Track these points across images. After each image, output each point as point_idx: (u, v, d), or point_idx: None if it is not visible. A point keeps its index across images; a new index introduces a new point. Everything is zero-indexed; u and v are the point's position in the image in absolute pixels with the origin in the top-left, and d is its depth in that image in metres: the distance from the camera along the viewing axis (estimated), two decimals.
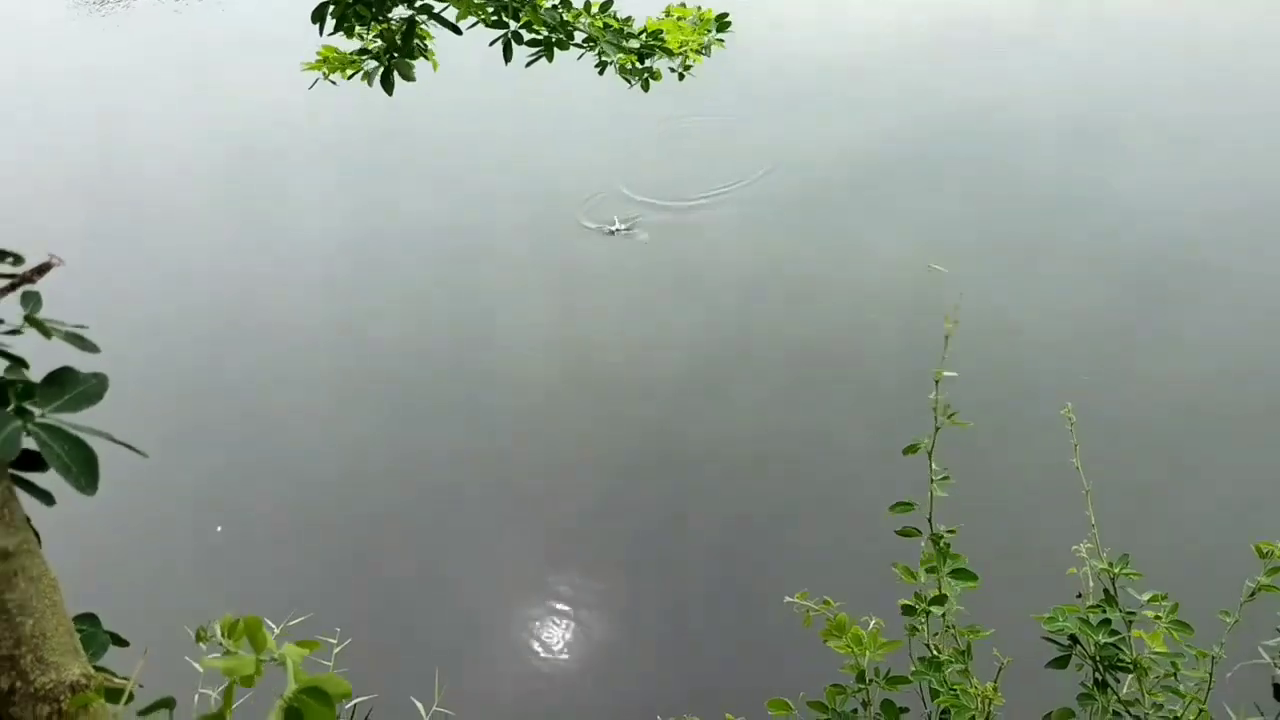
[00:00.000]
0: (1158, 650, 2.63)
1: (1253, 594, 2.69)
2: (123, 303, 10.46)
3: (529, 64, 4.03)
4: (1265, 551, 2.71)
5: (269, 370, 9.78)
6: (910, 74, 14.25)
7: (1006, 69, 14.16)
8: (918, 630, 2.77)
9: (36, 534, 1.30)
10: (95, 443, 1.27)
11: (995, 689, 2.58)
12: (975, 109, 13.08)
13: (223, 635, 1.32)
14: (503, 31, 3.90)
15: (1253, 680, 3.31)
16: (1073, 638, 2.74)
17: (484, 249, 11.31)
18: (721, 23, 4.59)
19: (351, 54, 4.15)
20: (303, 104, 14.01)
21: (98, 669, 1.33)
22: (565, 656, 7.06)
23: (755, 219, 11.42)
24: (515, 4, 3.76)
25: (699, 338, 9.74)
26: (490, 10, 3.80)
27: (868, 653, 2.77)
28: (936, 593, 2.73)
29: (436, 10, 3.71)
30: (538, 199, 12.00)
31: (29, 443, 1.26)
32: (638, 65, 4.27)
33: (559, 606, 7.34)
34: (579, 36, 4.10)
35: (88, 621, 1.49)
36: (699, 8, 4.49)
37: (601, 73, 4.31)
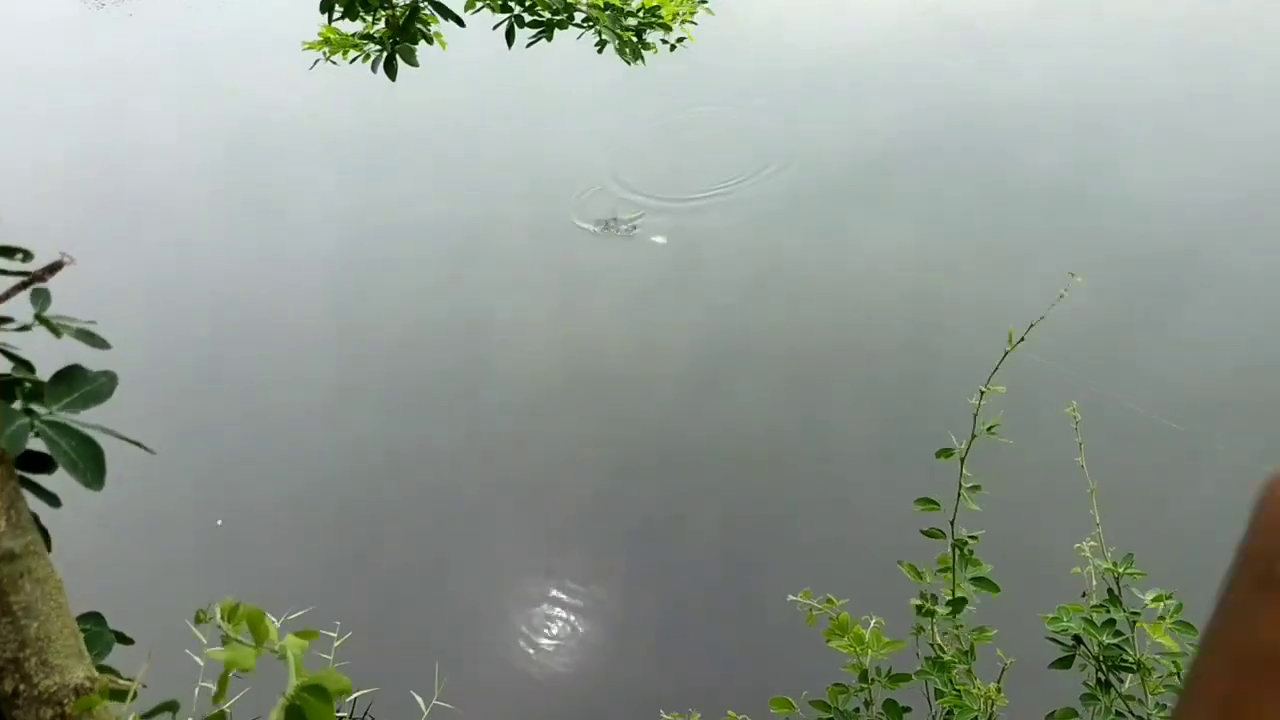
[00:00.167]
0: (1161, 642, 2.62)
1: None
2: (123, 299, 10.44)
3: (530, 45, 4.04)
4: None
5: (269, 367, 9.78)
6: (911, 70, 14.23)
7: (1009, 65, 14.13)
8: (923, 630, 2.76)
9: (46, 533, 1.29)
10: (101, 439, 1.26)
11: (998, 689, 2.57)
12: (977, 105, 13.07)
13: (222, 619, 1.32)
14: (507, 16, 3.90)
15: None
16: (1076, 638, 2.73)
17: (484, 246, 11.30)
18: None
19: (354, 36, 4.15)
20: (302, 101, 14.03)
21: (102, 669, 1.32)
22: (565, 651, 7.06)
23: (755, 215, 11.40)
24: None
25: (699, 335, 9.74)
26: None
27: (869, 652, 2.77)
28: (950, 594, 2.72)
29: None
30: (539, 197, 11.98)
31: (36, 442, 1.26)
32: (634, 40, 4.28)
33: (559, 602, 7.34)
34: (578, 16, 4.11)
35: (92, 620, 1.48)
36: None
37: (600, 51, 4.32)
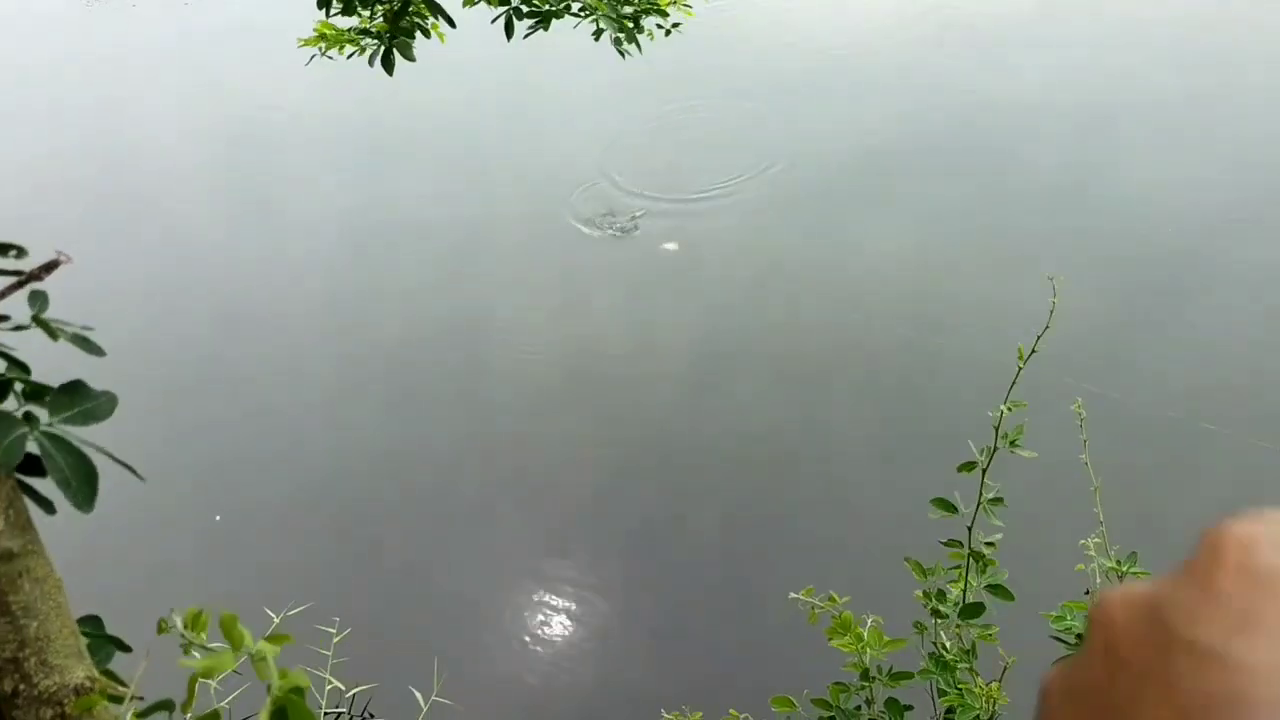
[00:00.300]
0: None
1: None
2: (119, 296, 10.43)
3: (527, 35, 4.05)
4: None
5: (266, 364, 9.77)
6: (911, 69, 14.22)
7: (1010, 64, 14.13)
8: (925, 628, 2.76)
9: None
10: (96, 455, 1.26)
11: (999, 688, 2.57)
12: (978, 104, 13.06)
13: (184, 627, 1.31)
14: (505, 8, 3.91)
15: None
16: (1080, 636, 2.73)
17: (484, 245, 11.30)
18: None
19: (349, 31, 4.15)
20: (302, 98, 14.03)
21: (102, 673, 1.32)
22: (565, 649, 7.06)
23: (755, 214, 11.39)
24: None
25: (699, 334, 9.73)
26: None
27: (870, 650, 2.76)
28: (960, 592, 2.71)
29: None
30: (539, 195, 11.97)
31: (31, 447, 1.25)
32: (630, 27, 4.29)
33: (558, 599, 7.34)
34: (575, 5, 4.12)
35: (90, 624, 1.48)
36: None
37: (597, 39, 4.33)
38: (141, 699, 1.36)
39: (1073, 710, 0.56)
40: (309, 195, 12.37)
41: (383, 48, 3.94)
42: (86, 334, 1.33)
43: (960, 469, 2.90)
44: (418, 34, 3.94)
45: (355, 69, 4.52)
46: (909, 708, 2.80)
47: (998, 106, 12.99)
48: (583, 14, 4.12)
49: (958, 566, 2.80)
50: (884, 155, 12.23)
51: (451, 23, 3.74)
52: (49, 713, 1.24)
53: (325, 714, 6.00)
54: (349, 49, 4.07)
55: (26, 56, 16.59)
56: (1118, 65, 13.84)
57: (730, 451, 8.39)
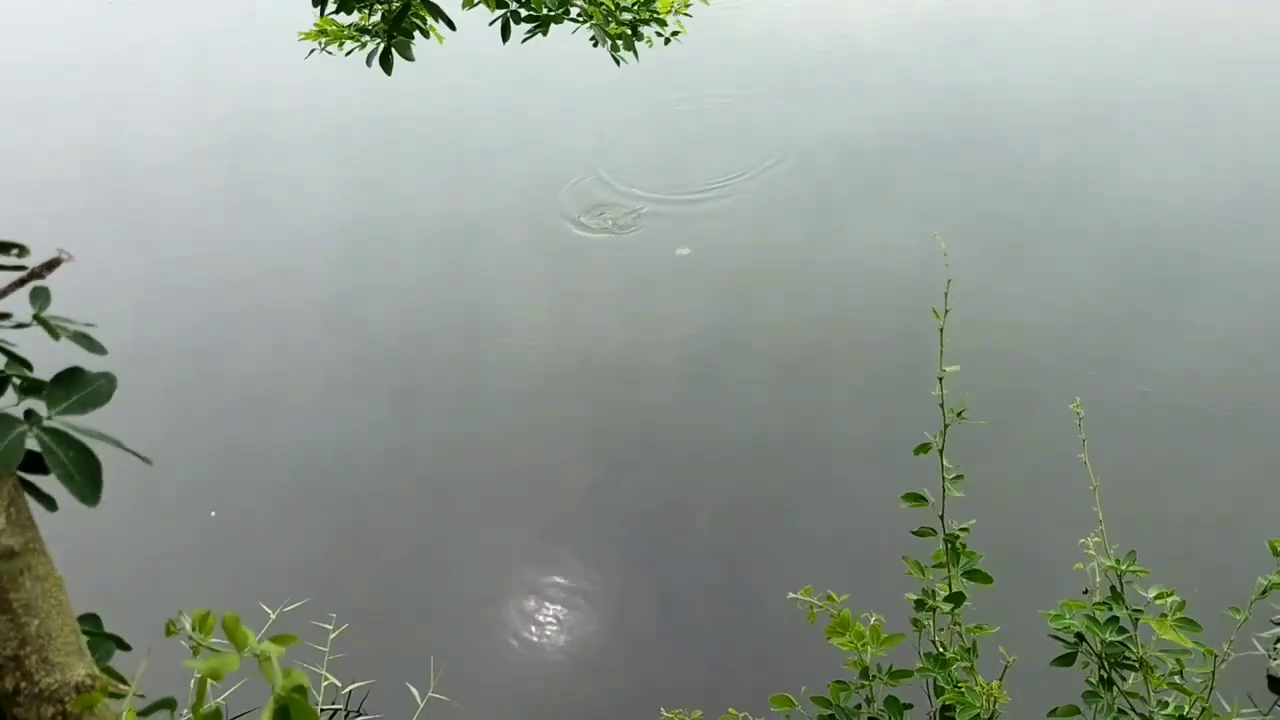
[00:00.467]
0: (1167, 638, 2.62)
1: (1264, 592, 2.69)
2: (117, 289, 10.41)
3: (525, 40, 4.06)
4: (1279, 549, 2.70)
5: (261, 358, 9.74)
6: (910, 60, 14.23)
7: (1011, 61, 14.13)
8: (923, 625, 2.76)
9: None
10: (98, 446, 1.25)
11: (1000, 686, 2.57)
12: (977, 96, 13.07)
13: (193, 629, 1.31)
14: (502, 11, 3.91)
15: (1246, 671, 3.32)
16: (1079, 635, 2.73)
17: (482, 237, 11.28)
18: None
19: (349, 28, 4.15)
20: (300, 90, 14.01)
21: (104, 671, 1.32)
22: (562, 645, 7.06)
23: (753, 209, 11.39)
24: None
25: (696, 327, 9.73)
26: None
27: (869, 649, 2.76)
28: (947, 589, 2.72)
29: None
30: (537, 188, 11.96)
31: (32, 444, 1.24)
32: (628, 34, 4.29)
33: (556, 595, 7.34)
34: (574, 11, 4.12)
35: (90, 623, 1.47)
36: None
37: (595, 45, 4.33)
38: (143, 696, 1.36)
39: None
40: (306, 190, 12.35)
41: (381, 46, 3.94)
42: (88, 331, 1.33)
43: (917, 451, 2.91)
44: (416, 33, 3.94)
45: (354, 64, 4.51)
46: (908, 706, 2.81)
47: (999, 103, 12.99)
48: (580, 20, 4.13)
49: (941, 564, 2.80)
50: (884, 153, 12.23)
51: (451, 25, 3.74)
52: (50, 710, 1.24)
53: (322, 710, 6.01)
54: (349, 45, 4.07)
55: (25, 52, 16.55)
56: (1118, 64, 13.85)
57: (729, 447, 8.39)
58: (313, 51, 4.29)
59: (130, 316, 10.08)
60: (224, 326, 10.16)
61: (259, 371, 9.56)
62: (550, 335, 9.82)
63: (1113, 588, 2.81)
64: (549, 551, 7.74)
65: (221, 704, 5.59)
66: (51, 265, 1.32)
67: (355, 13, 3.94)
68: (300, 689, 1.18)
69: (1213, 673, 2.70)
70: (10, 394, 1.28)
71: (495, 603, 7.36)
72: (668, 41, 4.47)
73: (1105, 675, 2.73)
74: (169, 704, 1.34)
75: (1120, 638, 2.71)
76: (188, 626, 1.29)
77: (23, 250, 1.31)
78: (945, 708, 2.52)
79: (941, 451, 2.82)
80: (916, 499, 2.83)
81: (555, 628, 7.14)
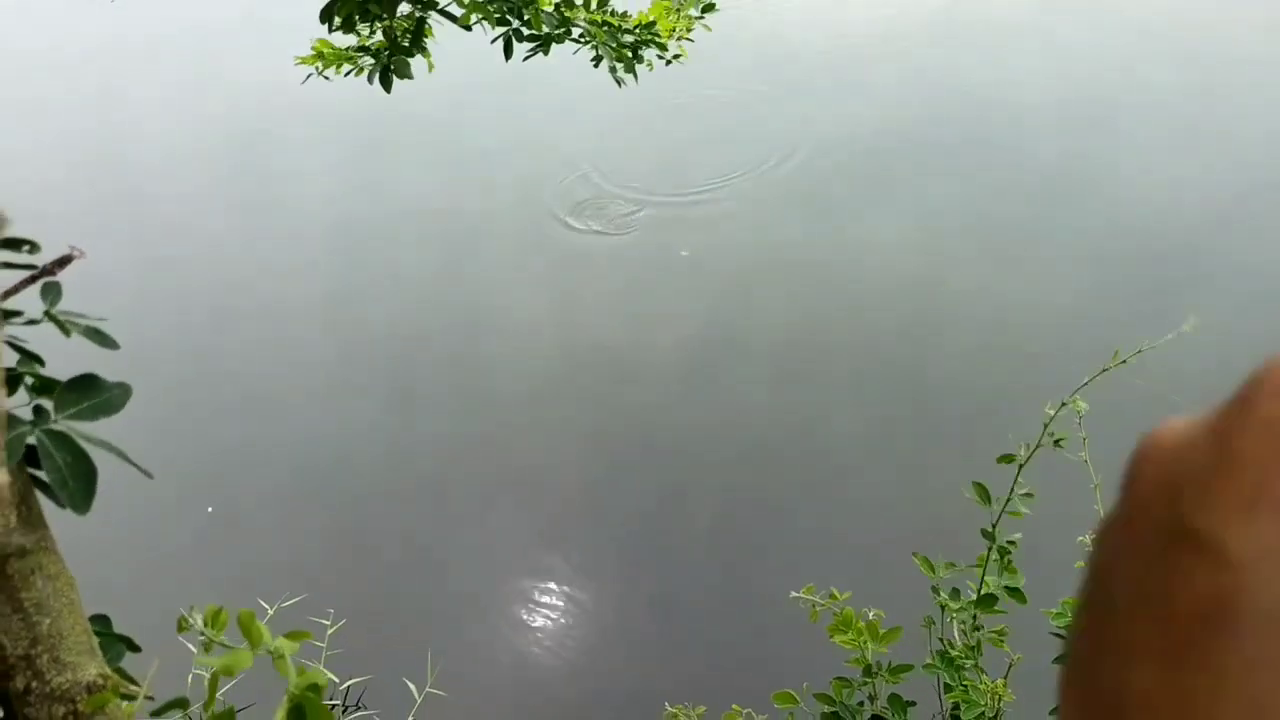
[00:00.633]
0: None
1: None
2: (114, 286, 10.37)
3: (526, 59, 4.06)
4: None
5: (260, 355, 9.72)
6: (910, 60, 14.22)
7: (1007, 54, 14.14)
8: (933, 623, 2.76)
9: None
10: (98, 454, 1.24)
11: (1005, 685, 2.58)
12: (977, 96, 13.07)
13: (205, 625, 1.30)
14: (505, 29, 3.91)
15: None
16: None
17: (481, 235, 11.28)
18: (706, 4, 4.59)
19: (348, 49, 4.14)
20: (298, 86, 13.96)
21: (114, 671, 1.31)
22: (561, 644, 7.06)
23: (752, 208, 11.39)
24: (520, 3, 3.76)
25: (695, 326, 9.72)
26: (494, 9, 3.79)
27: (870, 646, 2.76)
28: (975, 589, 2.71)
29: (442, 5, 3.70)
30: (536, 186, 11.95)
31: (33, 443, 1.24)
32: (629, 57, 4.31)
33: (554, 591, 7.33)
34: (576, 32, 4.12)
35: (100, 623, 1.47)
36: None
37: (596, 66, 4.35)
38: (151, 698, 1.36)
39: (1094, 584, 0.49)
40: (302, 186, 12.33)
41: (380, 66, 3.94)
42: (99, 326, 1.32)
43: (1000, 460, 2.87)
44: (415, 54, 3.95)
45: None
46: (912, 703, 2.81)
47: (997, 98, 12.99)
48: (583, 40, 4.13)
49: (974, 565, 2.79)
50: (883, 152, 12.22)
51: (467, 27, 3.74)
52: (61, 710, 1.23)
53: None
54: (346, 67, 4.08)
55: (23, 46, 16.49)
56: (1118, 64, 13.85)
57: (729, 445, 8.39)
58: (309, 77, 4.30)
59: (129, 316, 10.04)
60: (220, 324, 10.14)
61: (255, 368, 9.54)
62: (550, 335, 9.81)
63: None
64: (547, 550, 7.74)
65: (222, 698, 5.59)
66: (63, 262, 1.32)
67: (355, 34, 3.93)
68: (315, 687, 1.17)
69: None
70: (22, 392, 1.27)
71: (494, 600, 7.36)
72: (668, 64, 4.49)
73: None
74: (182, 704, 1.34)
75: None
76: (199, 622, 1.28)
77: (34, 247, 1.30)
78: (956, 705, 2.52)
79: (1021, 467, 2.78)
80: (984, 495, 2.80)
81: (554, 626, 7.14)
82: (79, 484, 1.24)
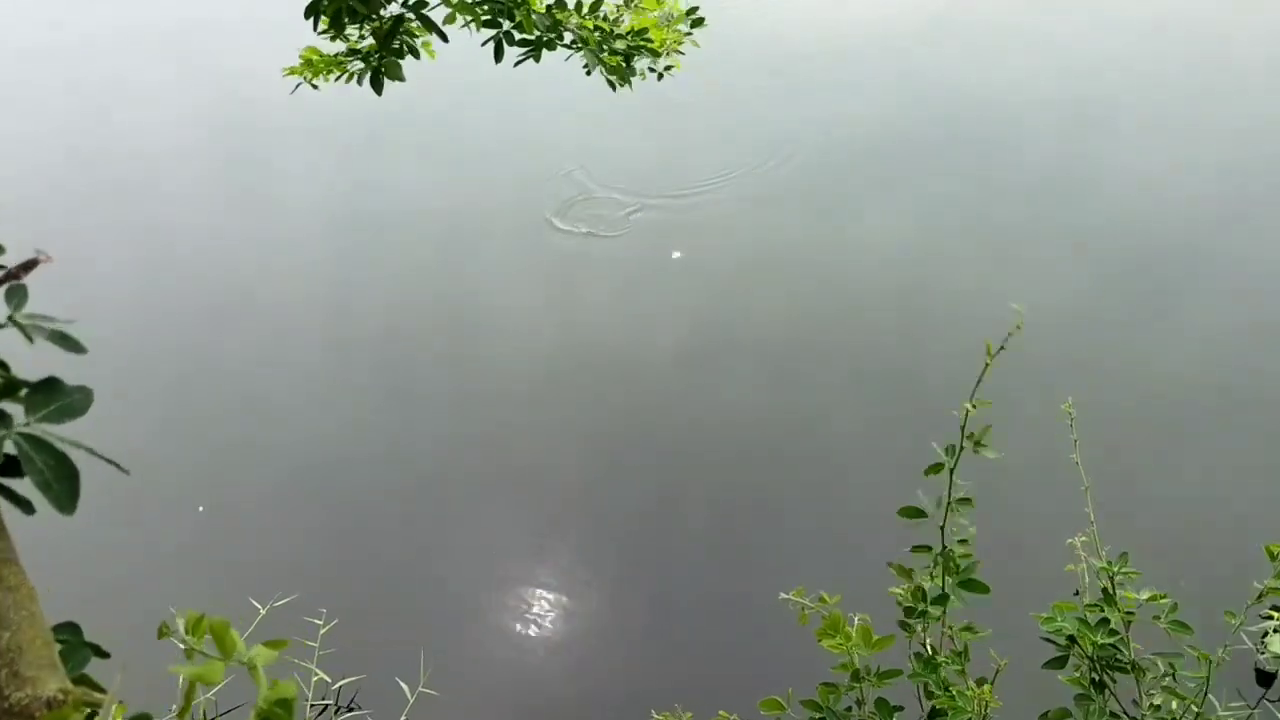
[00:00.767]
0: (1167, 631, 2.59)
1: (1260, 596, 2.67)
2: (107, 285, 10.37)
3: (517, 64, 4.03)
4: (1275, 554, 2.68)
5: (253, 354, 9.70)
6: (907, 59, 14.19)
7: (1005, 54, 14.10)
8: (912, 629, 2.74)
9: None
10: (76, 454, 1.22)
11: (991, 690, 2.56)
12: (974, 95, 13.04)
13: (186, 632, 1.28)
14: (495, 32, 3.87)
15: (1234, 663, 3.30)
16: (1071, 638, 2.71)
17: (476, 233, 11.25)
18: (694, 19, 4.55)
19: (337, 55, 4.12)
20: (291, 83, 13.92)
21: (79, 680, 1.29)
22: (555, 644, 7.04)
23: (748, 208, 11.36)
24: (510, 4, 3.72)
25: (691, 325, 9.70)
26: (484, 11, 3.76)
27: (856, 651, 2.74)
28: (941, 586, 2.70)
29: (428, 8, 3.66)
30: (530, 185, 11.92)
31: (9, 449, 1.22)
32: (622, 66, 4.28)
33: (546, 592, 7.32)
34: (568, 37, 4.09)
35: (68, 631, 1.45)
36: None
37: (589, 73, 4.33)
38: (123, 702, 1.33)
39: None
40: (299, 184, 12.30)
41: (370, 69, 3.91)
42: (66, 329, 1.30)
43: (927, 472, 2.86)
44: (406, 51, 3.90)
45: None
46: (899, 708, 2.79)
47: (992, 97, 12.97)
48: (574, 47, 4.10)
49: (929, 567, 2.78)
50: (881, 152, 12.20)
51: (444, 37, 3.70)
52: None
53: (311, 705, 6.00)
54: (335, 74, 4.05)
55: (22, 45, 16.46)
56: (1116, 63, 13.82)
57: (724, 445, 8.38)
58: (298, 86, 4.27)
59: (127, 315, 10.04)
60: (213, 322, 10.11)
61: (249, 367, 9.52)
62: (548, 335, 9.79)
63: (1104, 589, 2.79)
64: (544, 550, 7.72)
65: (212, 699, 5.58)
66: (29, 266, 1.29)
67: (345, 35, 3.89)
68: (284, 703, 1.15)
69: (1207, 678, 2.68)
70: None
71: (488, 601, 7.34)
72: (661, 77, 4.46)
73: (1097, 678, 2.71)
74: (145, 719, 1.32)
75: (1111, 640, 2.70)
76: (180, 629, 1.26)
77: None
78: (934, 711, 2.50)
79: (952, 471, 2.77)
80: (915, 512, 2.79)
81: (548, 626, 7.13)
82: (63, 486, 1.22)
